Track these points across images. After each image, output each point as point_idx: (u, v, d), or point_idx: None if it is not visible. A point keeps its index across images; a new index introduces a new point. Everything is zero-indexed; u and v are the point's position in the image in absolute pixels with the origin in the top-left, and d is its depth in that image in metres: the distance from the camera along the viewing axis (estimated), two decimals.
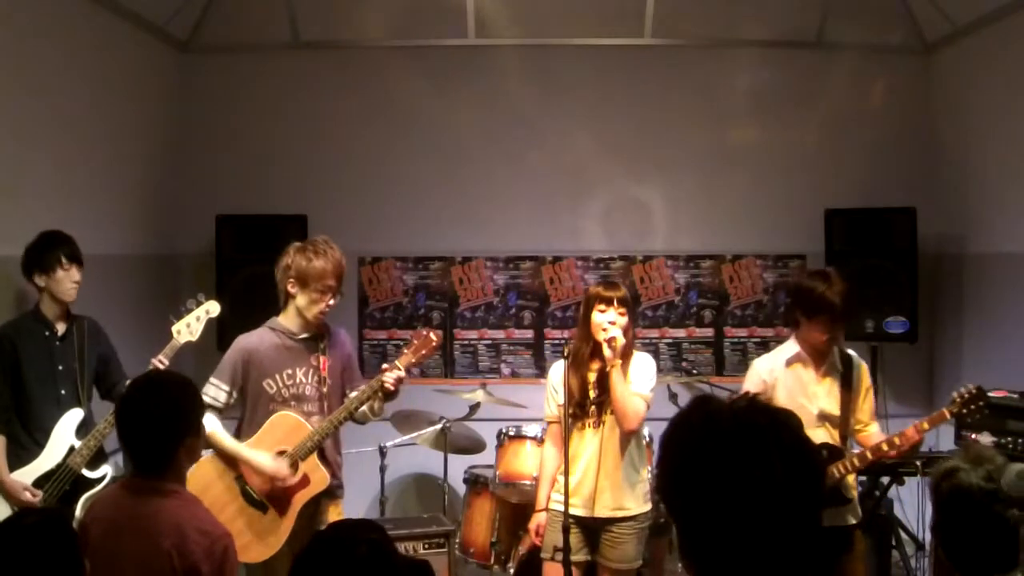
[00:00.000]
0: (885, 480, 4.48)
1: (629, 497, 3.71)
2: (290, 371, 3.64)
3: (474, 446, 5.14)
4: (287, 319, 3.68)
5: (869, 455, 3.59)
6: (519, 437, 4.72)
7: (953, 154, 5.59)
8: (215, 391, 3.59)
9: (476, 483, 4.91)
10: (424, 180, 5.87)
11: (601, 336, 3.63)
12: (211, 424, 3.47)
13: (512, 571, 4.57)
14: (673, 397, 5.32)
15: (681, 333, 5.96)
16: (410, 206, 5.87)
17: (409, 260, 5.96)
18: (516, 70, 5.86)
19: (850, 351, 3.82)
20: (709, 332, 5.96)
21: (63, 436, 3.75)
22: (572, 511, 3.59)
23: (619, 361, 3.62)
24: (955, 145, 5.57)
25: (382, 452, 5.09)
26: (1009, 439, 4.13)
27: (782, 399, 3.71)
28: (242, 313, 4.53)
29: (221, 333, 4.71)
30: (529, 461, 4.60)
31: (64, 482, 3.70)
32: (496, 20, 5.78)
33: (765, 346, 5.92)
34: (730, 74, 5.87)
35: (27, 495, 3.61)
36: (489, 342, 5.97)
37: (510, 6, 5.79)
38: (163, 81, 5.63)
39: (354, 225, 5.71)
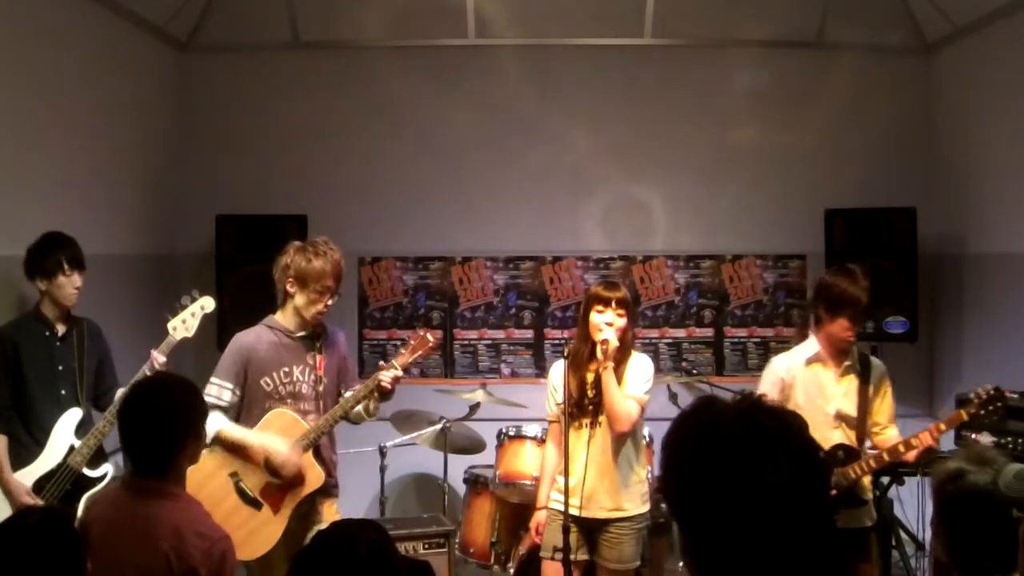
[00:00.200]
0: (885, 480, 4.48)
1: (626, 498, 3.71)
2: (287, 369, 3.65)
3: (474, 446, 5.13)
4: (284, 317, 3.69)
5: (886, 456, 3.58)
6: (519, 437, 4.71)
7: (953, 154, 5.59)
8: (218, 390, 3.59)
9: (476, 483, 4.91)
10: (424, 180, 5.87)
11: (597, 337, 3.64)
12: (218, 422, 3.47)
13: (512, 571, 4.56)
14: (673, 397, 5.33)
15: (681, 333, 5.96)
16: (410, 206, 5.87)
17: (409, 260, 5.95)
18: (516, 70, 5.86)
19: (870, 355, 3.81)
20: (709, 332, 5.96)
21: (62, 436, 3.76)
22: (570, 511, 3.60)
23: (611, 364, 3.62)
24: (955, 145, 5.57)
25: (382, 452, 5.09)
26: (1009, 439, 4.14)
27: (799, 398, 3.71)
28: (242, 313, 4.54)
29: (221, 333, 4.72)
30: (529, 461, 4.60)
31: (65, 482, 3.70)
32: (496, 20, 5.78)
33: (765, 346, 5.93)
34: (730, 74, 5.87)
35: (28, 500, 3.61)
36: (489, 342, 5.97)
37: (510, 6, 5.78)
38: (163, 81, 5.63)
39: (354, 225, 5.71)
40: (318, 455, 3.64)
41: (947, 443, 4.64)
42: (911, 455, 3.54)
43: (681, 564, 4.81)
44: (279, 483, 3.56)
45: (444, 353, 5.94)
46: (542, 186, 5.89)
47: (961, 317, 5.49)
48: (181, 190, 5.76)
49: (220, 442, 3.51)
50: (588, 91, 5.86)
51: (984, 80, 5.20)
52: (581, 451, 3.69)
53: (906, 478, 4.44)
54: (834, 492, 3.57)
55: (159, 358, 3.68)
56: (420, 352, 3.69)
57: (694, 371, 5.92)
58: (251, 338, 3.67)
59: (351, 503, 3.99)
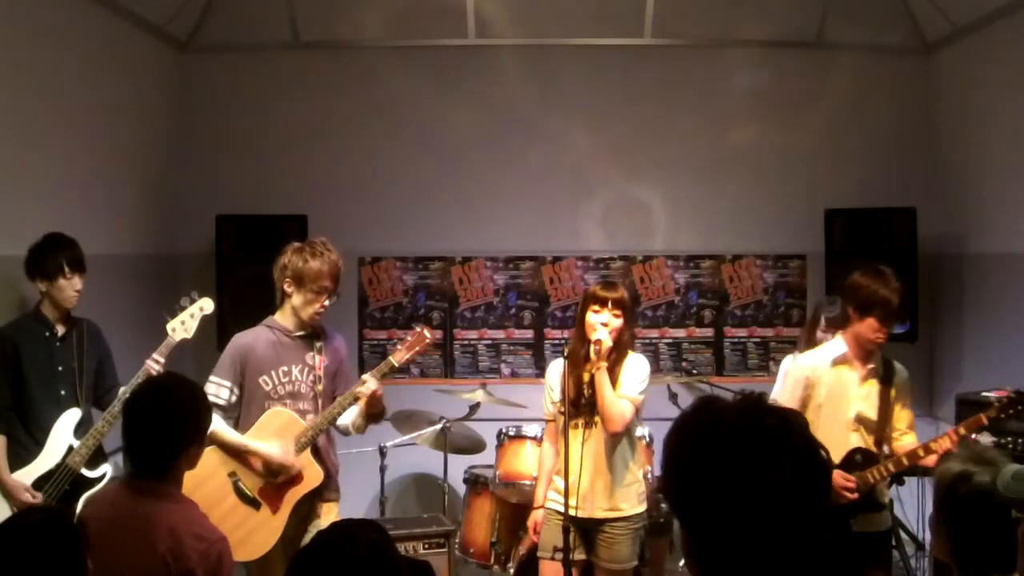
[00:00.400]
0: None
1: (622, 497, 3.71)
2: (285, 368, 3.66)
3: (474, 446, 5.13)
4: (283, 318, 3.70)
5: (905, 460, 3.55)
6: (519, 437, 4.72)
7: (953, 154, 5.59)
8: (216, 388, 3.59)
9: (476, 483, 4.91)
10: (424, 180, 5.87)
11: (592, 336, 3.64)
12: (214, 423, 3.46)
13: (512, 571, 4.56)
14: (673, 397, 5.32)
15: (681, 333, 5.96)
16: (410, 206, 5.87)
17: (409, 260, 5.95)
18: (516, 70, 5.86)
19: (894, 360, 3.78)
20: (709, 332, 5.96)
21: (61, 436, 3.76)
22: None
23: (603, 364, 3.62)
24: (955, 145, 5.57)
25: (382, 452, 5.10)
26: (1009, 439, 4.13)
27: (822, 398, 3.68)
28: (242, 313, 4.53)
29: (221, 333, 4.71)
30: (529, 461, 4.60)
31: (64, 482, 3.70)
32: (496, 20, 5.78)
33: (765, 346, 5.93)
34: (730, 74, 5.87)
35: (27, 496, 3.62)
36: (489, 342, 5.97)
37: (510, 6, 5.78)
38: (163, 81, 5.63)
39: (354, 225, 5.72)
40: (319, 458, 3.64)
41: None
42: (931, 459, 3.50)
43: (682, 564, 4.82)
44: (277, 483, 3.56)
45: (444, 353, 5.94)
46: (542, 186, 5.89)
47: (961, 317, 5.49)
48: (181, 190, 5.76)
49: (216, 443, 3.52)
50: (588, 91, 5.86)
51: (984, 80, 5.20)
52: (577, 451, 3.68)
53: (906, 478, 4.42)
54: (854, 497, 3.55)
55: (153, 367, 3.67)
56: (417, 348, 3.70)
57: (694, 371, 5.92)
58: (249, 338, 3.69)
59: (351, 503, 3.99)
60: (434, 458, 5.14)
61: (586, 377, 3.70)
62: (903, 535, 4.77)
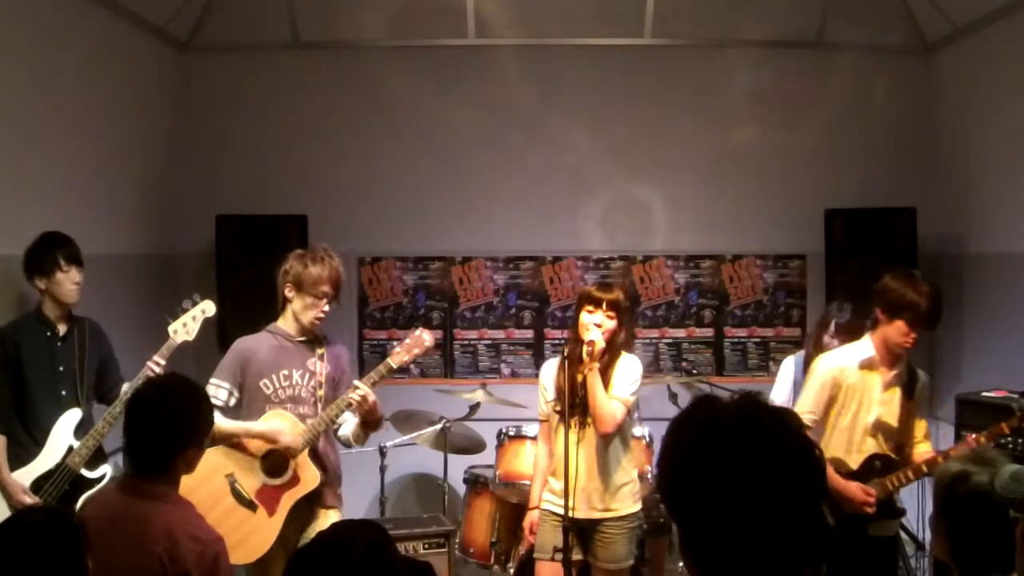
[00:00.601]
0: None
1: (616, 497, 3.71)
2: (286, 372, 3.67)
3: (474, 446, 5.13)
4: (285, 323, 3.74)
5: (924, 468, 3.52)
6: (519, 437, 4.71)
7: (953, 154, 5.59)
8: (215, 389, 3.61)
9: (476, 483, 4.91)
10: (424, 180, 5.87)
11: (585, 337, 3.64)
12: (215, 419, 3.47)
13: (512, 571, 4.56)
14: (673, 397, 5.32)
15: (681, 333, 5.96)
16: (410, 206, 5.87)
17: (409, 260, 5.96)
18: (516, 70, 5.86)
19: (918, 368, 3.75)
20: (709, 332, 5.96)
21: (61, 436, 3.75)
22: (561, 510, 3.63)
23: (595, 364, 3.61)
24: (955, 145, 5.57)
25: (382, 452, 5.09)
26: (1009, 439, 4.12)
27: (842, 400, 3.65)
28: (242, 313, 4.54)
29: (221, 333, 4.71)
30: (529, 461, 4.58)
31: (63, 482, 3.70)
32: (496, 20, 5.78)
33: (765, 346, 5.93)
34: (730, 74, 5.86)
35: (24, 498, 3.61)
36: (489, 342, 5.97)
37: (510, 6, 5.78)
38: (163, 81, 5.63)
39: (354, 225, 5.72)
40: (321, 465, 3.64)
41: (947, 443, 4.65)
42: None
43: (682, 564, 4.82)
44: (276, 485, 3.56)
45: (444, 353, 5.94)
46: (542, 186, 5.89)
47: (961, 317, 5.48)
48: (181, 190, 5.76)
49: (216, 438, 3.51)
50: (588, 91, 5.85)
51: (984, 80, 5.20)
52: (571, 451, 3.68)
53: None
54: (872, 511, 3.54)
55: (154, 370, 3.67)
56: (416, 350, 3.69)
57: (694, 371, 5.92)
58: (251, 342, 3.73)
59: (351, 503, 3.99)
60: (434, 458, 5.14)
61: (580, 378, 3.70)
62: (903, 535, 4.78)
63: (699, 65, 5.85)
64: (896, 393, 3.65)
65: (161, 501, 2.49)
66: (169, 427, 2.50)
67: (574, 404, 3.68)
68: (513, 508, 4.68)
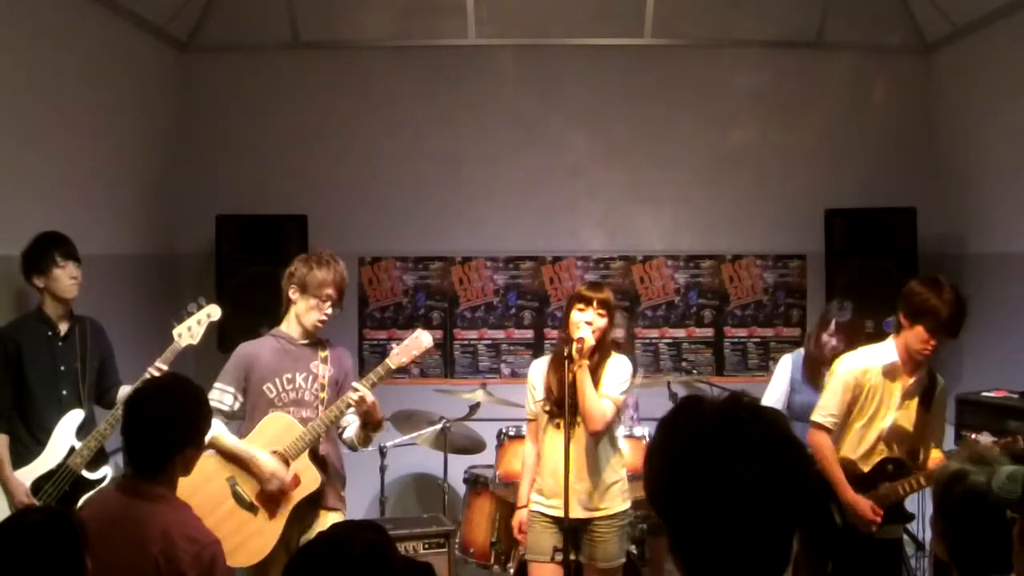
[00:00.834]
0: None
1: (606, 496, 3.71)
2: (289, 375, 3.67)
3: (474, 446, 5.13)
4: (288, 326, 3.75)
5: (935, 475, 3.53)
6: (519, 437, 4.69)
7: (953, 154, 5.59)
8: (219, 394, 3.62)
9: (476, 483, 4.90)
10: (424, 180, 5.87)
11: (575, 335, 3.63)
12: (216, 427, 3.46)
13: (512, 571, 4.56)
14: (673, 397, 5.31)
15: (681, 333, 5.96)
16: (410, 206, 5.88)
17: (409, 260, 5.96)
18: (516, 70, 5.87)
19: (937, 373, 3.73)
20: (709, 332, 5.96)
21: (63, 437, 3.75)
22: (550, 511, 3.65)
23: (585, 363, 3.61)
24: (955, 145, 5.57)
25: (382, 452, 5.09)
26: (1009, 439, 4.12)
27: (862, 402, 3.63)
28: (242, 313, 4.53)
29: (222, 333, 4.70)
30: None
31: (64, 483, 3.70)
32: (496, 20, 5.78)
33: (765, 346, 5.93)
34: (730, 74, 5.86)
35: (25, 499, 3.61)
36: (489, 342, 5.97)
37: (510, 6, 5.78)
38: (163, 81, 5.63)
39: (354, 225, 5.72)
40: (324, 469, 3.64)
41: (948, 443, 4.65)
42: None
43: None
44: (283, 486, 3.56)
45: (444, 353, 5.94)
46: (542, 186, 5.89)
47: None
48: (181, 190, 5.76)
49: (216, 447, 3.52)
50: (588, 91, 5.85)
51: (984, 80, 5.20)
52: (560, 450, 3.68)
53: None
54: (874, 530, 3.54)
55: (161, 368, 3.66)
56: (415, 352, 3.69)
57: (694, 371, 5.92)
58: (255, 346, 3.73)
59: (351, 503, 3.98)
60: (434, 458, 5.14)
61: (569, 377, 3.70)
62: (903, 535, 4.78)
63: (699, 65, 5.85)
64: (915, 400, 3.62)
65: (158, 502, 2.49)
66: (167, 426, 2.50)
67: (568, 403, 3.67)
68: (513, 508, 4.66)
